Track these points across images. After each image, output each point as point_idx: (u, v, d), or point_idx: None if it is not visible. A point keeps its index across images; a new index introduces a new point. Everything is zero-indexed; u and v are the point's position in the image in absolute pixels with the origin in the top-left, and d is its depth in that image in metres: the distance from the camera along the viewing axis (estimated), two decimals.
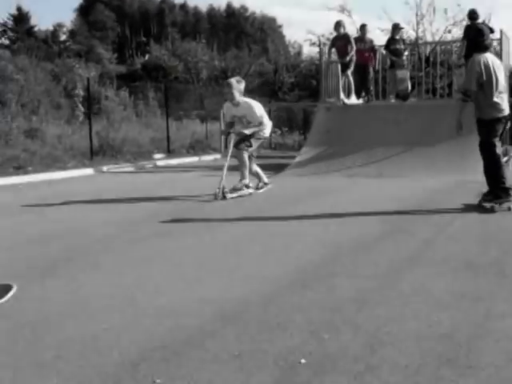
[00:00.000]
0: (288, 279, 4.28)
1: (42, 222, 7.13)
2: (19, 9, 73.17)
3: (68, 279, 4.39)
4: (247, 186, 8.93)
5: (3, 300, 3.79)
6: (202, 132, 20.93)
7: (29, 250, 5.45)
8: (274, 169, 12.85)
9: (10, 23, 72.91)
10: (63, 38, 70.90)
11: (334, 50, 14.17)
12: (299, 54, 38.48)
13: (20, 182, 11.56)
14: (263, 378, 2.64)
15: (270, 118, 10.08)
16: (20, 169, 12.75)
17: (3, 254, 5.28)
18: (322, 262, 4.83)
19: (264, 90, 32.22)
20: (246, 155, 8.80)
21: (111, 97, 23.86)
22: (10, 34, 71.23)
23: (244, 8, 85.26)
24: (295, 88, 33.64)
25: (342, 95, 13.84)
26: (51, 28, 73.47)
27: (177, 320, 3.42)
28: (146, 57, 49.64)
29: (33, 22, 73.19)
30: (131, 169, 14.00)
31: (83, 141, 16.04)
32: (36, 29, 71.97)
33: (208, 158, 17.32)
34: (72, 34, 71.85)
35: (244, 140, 8.84)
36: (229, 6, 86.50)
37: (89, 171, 13.36)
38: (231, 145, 8.94)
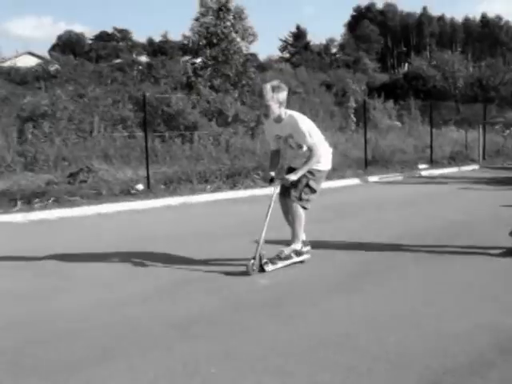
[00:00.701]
0: None
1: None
2: (298, 27, 77.43)
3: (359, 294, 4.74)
4: (298, 253, 5.59)
5: None
6: (459, 139, 20.32)
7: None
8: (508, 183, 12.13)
9: (290, 39, 77.20)
10: (334, 50, 73.46)
11: None
12: None
13: None
14: None
15: None
16: None
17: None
18: None
19: None
20: (299, 207, 5.47)
21: (378, 107, 24.22)
22: (290, 48, 75.35)
23: (499, 17, 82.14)
24: None
25: None
26: (324, 42, 76.59)
27: (460, 345, 3.54)
28: (406, 67, 49.13)
29: (309, 37, 77.00)
30: (399, 178, 14.06)
31: (355, 150, 16.30)
32: (311, 43, 75.28)
33: (467, 168, 16.83)
34: (341, 46, 73.95)
35: (295, 185, 5.40)
36: (483, 16, 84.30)
37: (356, 181, 13.28)
38: (274, 193, 5.55)
